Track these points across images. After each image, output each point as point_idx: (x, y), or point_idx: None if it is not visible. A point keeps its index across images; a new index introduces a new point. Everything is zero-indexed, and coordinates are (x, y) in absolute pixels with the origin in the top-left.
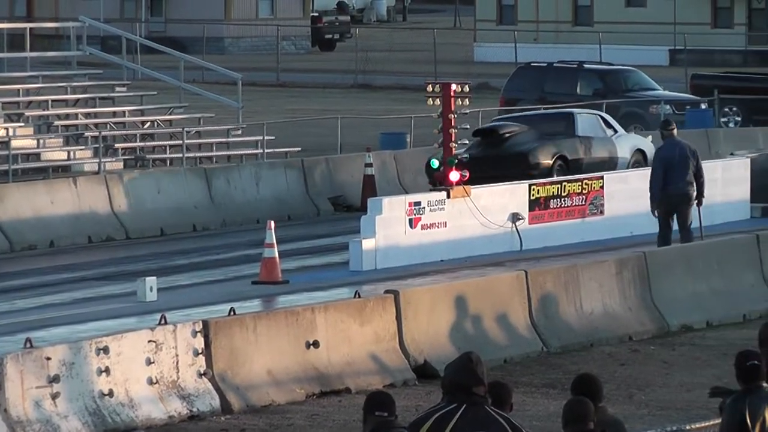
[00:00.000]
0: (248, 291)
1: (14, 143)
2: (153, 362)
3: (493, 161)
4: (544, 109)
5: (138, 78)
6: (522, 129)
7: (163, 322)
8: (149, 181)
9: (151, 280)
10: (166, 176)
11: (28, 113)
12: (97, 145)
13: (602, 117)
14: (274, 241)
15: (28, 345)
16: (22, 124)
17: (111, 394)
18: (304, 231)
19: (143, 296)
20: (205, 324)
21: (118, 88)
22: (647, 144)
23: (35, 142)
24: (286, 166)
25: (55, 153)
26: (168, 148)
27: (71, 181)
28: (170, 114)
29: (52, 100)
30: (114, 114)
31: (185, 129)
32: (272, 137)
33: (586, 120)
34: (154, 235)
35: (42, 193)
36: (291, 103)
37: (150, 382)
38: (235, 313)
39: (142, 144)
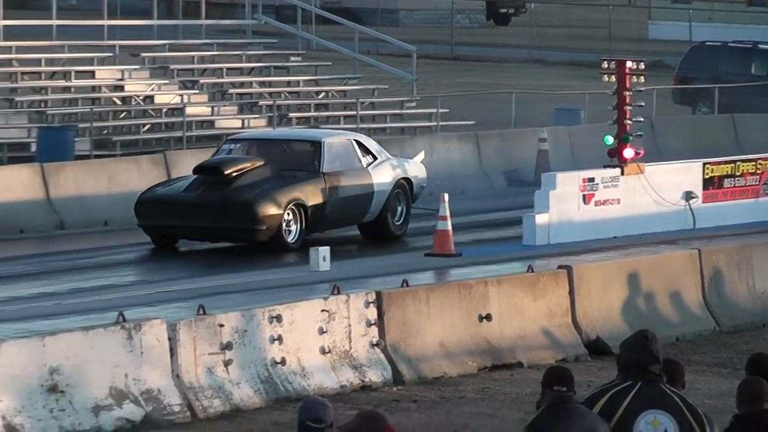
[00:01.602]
0: (421, 263)
1: (189, 110)
2: (325, 332)
3: (210, 210)
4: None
5: (312, 48)
6: (255, 164)
7: (336, 292)
8: None
9: (324, 250)
10: None
11: (202, 81)
12: (271, 114)
13: (358, 141)
14: (448, 214)
15: (201, 312)
16: (197, 91)
17: (283, 362)
18: (478, 204)
19: (316, 265)
20: (378, 295)
21: (292, 58)
22: (415, 169)
23: (209, 109)
24: (460, 139)
25: (229, 121)
26: (342, 118)
27: None
28: (344, 85)
29: (227, 68)
30: (288, 83)
31: (359, 100)
32: (446, 110)
33: (335, 149)
34: None
35: None
36: (464, 76)
37: (322, 351)
38: (408, 285)
39: (316, 114)
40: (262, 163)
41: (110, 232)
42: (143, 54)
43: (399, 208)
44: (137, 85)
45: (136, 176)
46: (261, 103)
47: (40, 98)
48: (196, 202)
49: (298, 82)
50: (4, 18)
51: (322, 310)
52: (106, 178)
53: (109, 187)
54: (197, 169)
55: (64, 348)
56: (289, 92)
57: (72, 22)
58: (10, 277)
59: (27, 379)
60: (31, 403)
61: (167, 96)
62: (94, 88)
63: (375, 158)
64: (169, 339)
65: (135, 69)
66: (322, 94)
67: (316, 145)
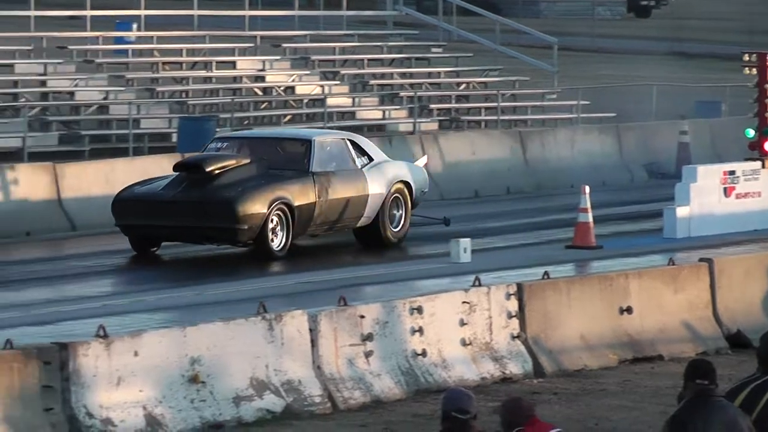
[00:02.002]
0: (561, 255)
1: (330, 101)
2: (466, 323)
3: (188, 209)
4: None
5: (453, 39)
6: (240, 162)
7: (477, 283)
8: (464, 143)
9: (465, 242)
10: (480, 138)
11: (343, 71)
12: (412, 105)
13: (353, 141)
14: (589, 206)
15: (342, 303)
16: (338, 82)
17: (424, 354)
18: (618, 197)
19: (457, 257)
20: (519, 287)
21: (433, 49)
22: (416, 172)
23: (350, 100)
24: (601, 131)
25: (370, 112)
26: (483, 110)
27: (387, 140)
28: (485, 76)
29: (368, 60)
30: (429, 75)
31: (500, 92)
32: (587, 102)
33: (327, 148)
34: (468, 196)
35: None
36: (605, 68)
37: (463, 343)
38: (549, 277)
39: (456, 105)
40: (248, 161)
41: None
42: (284, 45)
43: (397, 214)
44: (278, 76)
45: None
46: (402, 94)
47: (181, 88)
48: (174, 201)
49: (439, 73)
50: (146, 8)
51: (463, 302)
52: None
53: None
54: (177, 166)
55: (205, 339)
56: (430, 84)
57: (214, 13)
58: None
59: (168, 369)
60: (172, 393)
61: (308, 87)
62: (235, 79)
63: (371, 160)
64: (310, 330)
65: (276, 60)
66: (463, 85)
67: (306, 144)
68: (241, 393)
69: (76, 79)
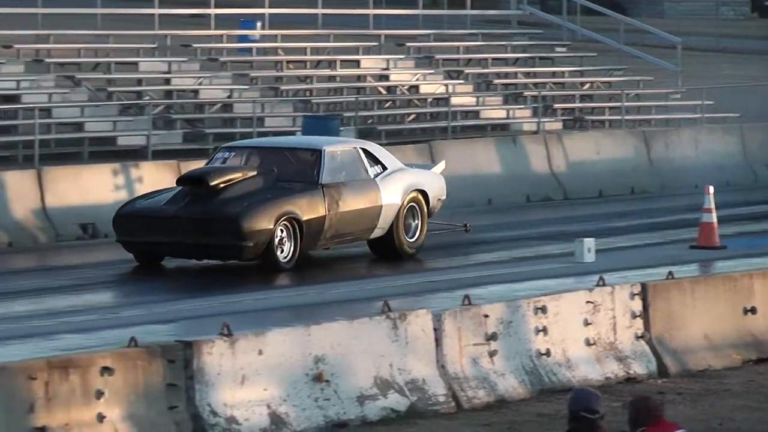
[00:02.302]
0: (686, 255)
1: (454, 100)
2: (590, 323)
3: (191, 225)
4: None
5: (577, 39)
6: (247, 174)
7: (601, 283)
8: (588, 142)
9: (589, 242)
10: (605, 138)
11: (467, 71)
12: (536, 105)
13: (366, 150)
14: (713, 206)
15: (466, 302)
16: (462, 81)
17: (548, 353)
18: (742, 197)
19: (581, 257)
20: (644, 287)
21: (557, 49)
22: (433, 180)
23: (474, 99)
24: (725, 131)
25: (494, 111)
26: (607, 110)
27: (510, 140)
28: (609, 76)
29: (492, 59)
30: (553, 74)
31: (624, 91)
32: (711, 102)
33: (339, 158)
34: (592, 196)
35: (480, 151)
36: (728, 68)
37: (587, 343)
38: (673, 277)
39: (581, 105)
40: (254, 173)
41: None
42: (408, 44)
43: (413, 224)
44: (402, 75)
45: None
46: (526, 94)
47: (305, 87)
48: (177, 216)
49: (563, 73)
50: (270, 6)
51: (587, 302)
52: None
53: None
54: (180, 180)
55: (329, 338)
56: (554, 83)
57: (338, 11)
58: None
59: (292, 368)
60: (296, 392)
61: (432, 86)
62: (359, 78)
63: (385, 168)
64: (434, 329)
65: (400, 58)
66: (587, 85)
67: (316, 154)
68: (366, 392)
69: (200, 78)
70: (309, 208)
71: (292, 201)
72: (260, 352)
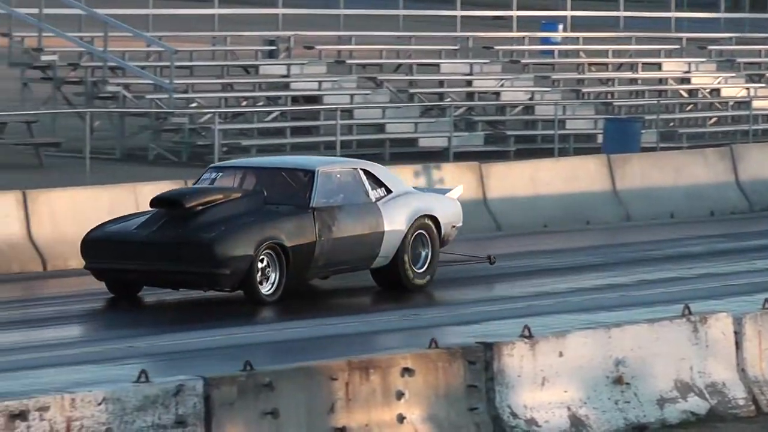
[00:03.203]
0: None
1: (755, 104)
2: None
3: (163, 251)
4: None
5: None
6: (230, 196)
7: None
8: None
9: None
10: None
11: None
12: None
13: (367, 171)
14: None
15: (767, 305)
16: (764, 85)
17: None
18: None
19: None
20: None
21: None
22: (446, 205)
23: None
24: None
25: None
26: None
27: None
28: None
29: None
30: None
31: None
32: None
33: (335, 180)
34: None
35: None
36: None
37: None
38: None
39: None
40: (238, 195)
41: (676, 224)
42: (710, 47)
43: (423, 253)
44: (703, 78)
45: (702, 169)
46: None
47: (606, 90)
48: (148, 242)
49: None
50: (572, 9)
51: None
52: (672, 170)
53: (675, 179)
54: (154, 202)
55: (630, 340)
56: None
57: (639, 14)
58: (575, 267)
59: (592, 370)
60: (596, 394)
61: (733, 89)
62: (660, 80)
63: (389, 192)
64: (735, 333)
65: (701, 62)
66: None
67: (309, 175)
68: (665, 395)
69: (501, 80)
70: (296, 234)
71: (276, 225)
72: (560, 354)
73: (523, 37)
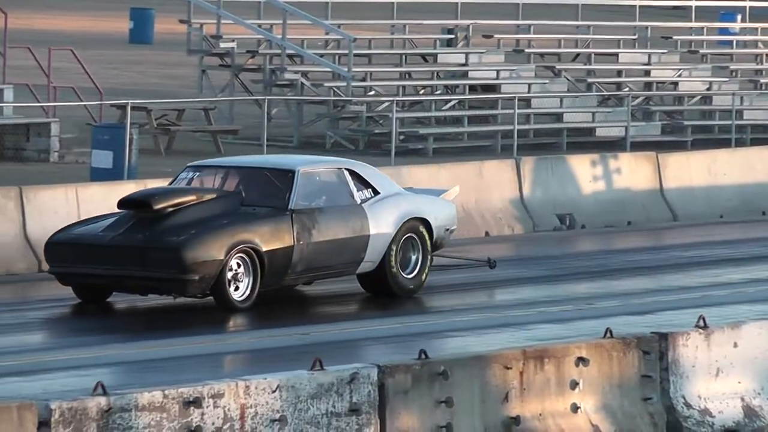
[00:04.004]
0: None
1: None
2: None
3: (130, 255)
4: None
5: None
6: (203, 197)
7: None
8: None
9: None
10: None
11: None
12: None
13: (353, 172)
14: None
15: None
16: None
17: None
18: None
19: None
20: None
21: None
22: (438, 208)
23: None
24: None
25: None
26: None
27: None
28: None
29: None
30: None
31: None
32: None
33: (317, 181)
34: None
35: None
36: None
37: None
38: None
39: None
40: (213, 196)
41: None
42: None
43: (412, 257)
44: None
45: None
46: None
47: None
48: (114, 245)
49: None
50: None
51: None
52: None
53: None
54: (121, 203)
55: None
56: None
57: None
58: (751, 258)
59: (766, 361)
60: None
61: None
62: None
63: (376, 193)
64: None
65: None
66: None
67: (289, 176)
68: None
69: (679, 70)
70: (272, 237)
71: (251, 228)
72: (735, 345)
73: (702, 27)
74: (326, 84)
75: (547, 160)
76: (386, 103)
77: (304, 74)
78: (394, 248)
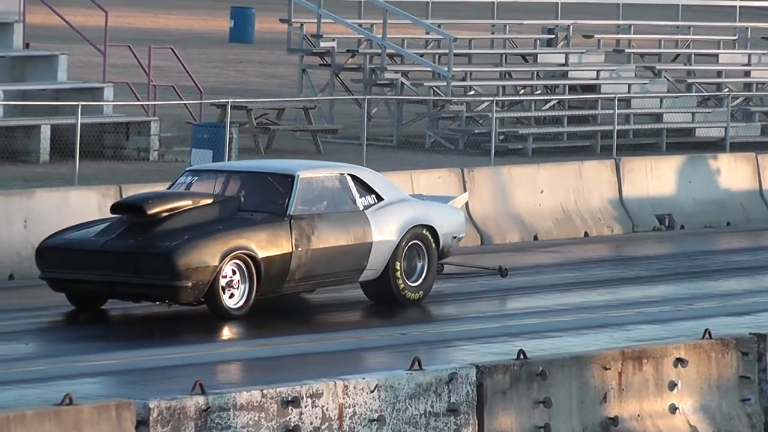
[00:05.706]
0: None
1: None
2: None
3: (122, 261)
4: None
5: None
6: (199, 202)
7: None
8: None
9: None
10: None
11: None
12: None
13: (356, 177)
14: None
15: None
16: None
17: None
18: None
19: None
20: None
21: None
22: (446, 215)
23: None
24: None
25: None
26: None
27: None
28: None
29: None
30: None
31: None
32: None
33: (318, 186)
34: None
35: None
36: None
37: None
38: None
39: None
40: (210, 201)
41: None
42: None
43: (418, 265)
44: None
45: None
46: None
47: None
48: (106, 251)
49: None
50: None
51: None
52: None
53: None
54: (115, 207)
55: None
56: None
57: None
58: None
59: None
60: None
61: None
62: None
63: (380, 199)
64: None
65: None
66: None
67: (288, 181)
68: None
69: None
70: (269, 244)
71: (247, 235)
72: None
73: None
74: (426, 83)
75: (647, 161)
76: (486, 103)
77: (404, 74)
78: (399, 256)
